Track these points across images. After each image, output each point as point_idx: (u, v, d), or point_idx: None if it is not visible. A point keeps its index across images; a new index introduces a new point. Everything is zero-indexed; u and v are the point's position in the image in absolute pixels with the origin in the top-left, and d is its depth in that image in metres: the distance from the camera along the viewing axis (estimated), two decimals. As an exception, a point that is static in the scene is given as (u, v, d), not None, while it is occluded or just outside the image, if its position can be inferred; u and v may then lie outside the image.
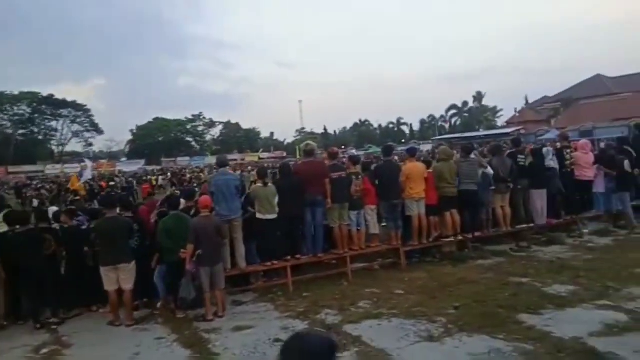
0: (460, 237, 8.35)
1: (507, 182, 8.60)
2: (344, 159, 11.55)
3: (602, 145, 14.66)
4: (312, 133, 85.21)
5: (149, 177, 36.15)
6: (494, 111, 79.40)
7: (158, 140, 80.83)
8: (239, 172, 19.18)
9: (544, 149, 9.64)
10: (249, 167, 29.37)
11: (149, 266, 6.78)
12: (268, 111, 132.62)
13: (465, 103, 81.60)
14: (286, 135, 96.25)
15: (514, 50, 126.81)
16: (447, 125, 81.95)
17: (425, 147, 39.28)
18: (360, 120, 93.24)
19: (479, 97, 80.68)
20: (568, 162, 9.42)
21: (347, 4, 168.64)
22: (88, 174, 25.00)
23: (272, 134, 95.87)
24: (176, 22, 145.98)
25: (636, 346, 4.26)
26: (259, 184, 7.56)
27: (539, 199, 8.88)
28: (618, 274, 6.42)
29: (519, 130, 41.77)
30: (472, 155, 8.94)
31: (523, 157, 8.96)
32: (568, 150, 9.64)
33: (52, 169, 62.25)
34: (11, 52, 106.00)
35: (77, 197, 15.26)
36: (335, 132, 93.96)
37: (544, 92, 64.35)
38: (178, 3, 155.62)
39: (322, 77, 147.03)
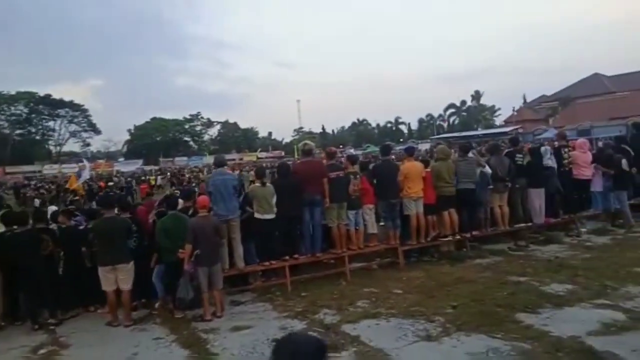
0: (458, 237, 8.35)
1: (505, 181, 8.60)
2: (342, 159, 11.55)
3: (600, 144, 14.71)
4: (310, 132, 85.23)
5: (147, 177, 36.13)
6: (492, 110, 79.53)
7: (156, 140, 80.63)
8: (237, 172, 19.19)
9: (542, 148, 9.66)
10: (247, 167, 29.37)
11: (147, 266, 6.76)
12: (266, 111, 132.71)
13: (463, 102, 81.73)
14: (284, 134, 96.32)
15: (513, 50, 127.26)
16: (445, 125, 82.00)
17: (424, 147, 39.35)
18: (358, 120, 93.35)
19: (477, 96, 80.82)
20: (566, 161, 9.42)
21: (347, 4, 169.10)
22: (86, 174, 24.95)
23: (270, 133, 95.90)
24: (175, 22, 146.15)
25: (634, 345, 4.27)
26: (257, 184, 7.56)
27: (537, 198, 8.88)
28: (616, 273, 6.43)
29: (517, 129, 41.88)
30: (470, 154, 8.95)
31: (521, 156, 8.96)
32: (566, 149, 9.64)
33: (49, 169, 62.16)
34: (8, 52, 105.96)
35: (77, 197, 15.27)
36: (333, 131, 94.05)
37: (543, 92, 64.53)
38: (178, 3, 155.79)
39: (321, 77, 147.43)
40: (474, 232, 8.56)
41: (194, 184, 18.96)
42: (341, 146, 56.83)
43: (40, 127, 76.53)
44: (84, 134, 79.60)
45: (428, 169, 8.33)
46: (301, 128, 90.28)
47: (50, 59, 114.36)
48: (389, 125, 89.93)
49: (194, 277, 6.10)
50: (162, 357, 5.20)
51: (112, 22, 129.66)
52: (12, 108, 71.04)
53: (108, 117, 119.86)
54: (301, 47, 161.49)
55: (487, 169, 8.61)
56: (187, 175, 31.77)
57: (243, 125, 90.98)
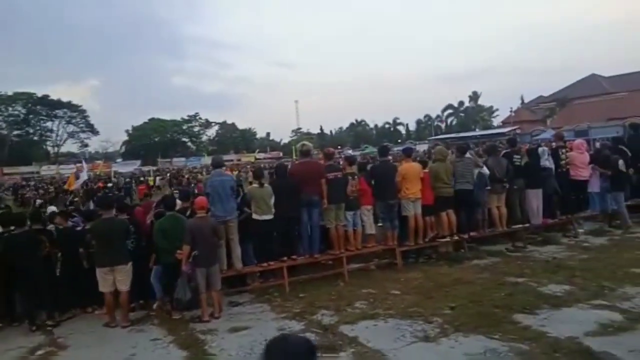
0: (456, 237, 8.36)
1: (502, 182, 8.61)
2: (340, 159, 11.56)
3: (598, 144, 14.72)
4: (308, 133, 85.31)
5: (145, 177, 36.10)
6: (490, 111, 79.66)
7: (154, 140, 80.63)
8: (236, 173, 19.18)
9: (540, 149, 9.68)
10: (245, 168, 29.36)
11: (145, 267, 6.76)
12: (264, 111, 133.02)
13: (461, 103, 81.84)
14: (282, 135, 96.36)
15: (513, 50, 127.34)
16: (443, 125, 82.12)
17: (422, 147, 39.43)
18: (356, 120, 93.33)
19: (474, 96, 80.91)
20: (563, 162, 9.45)
21: (347, 4, 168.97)
22: (85, 175, 24.91)
23: (268, 134, 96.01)
24: (174, 23, 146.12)
25: (631, 345, 4.28)
26: (255, 185, 7.55)
27: (535, 199, 8.90)
28: (613, 274, 6.45)
29: (514, 130, 41.95)
30: (468, 155, 8.96)
31: (519, 157, 8.98)
32: (563, 150, 9.67)
33: (47, 170, 62.03)
34: (6, 52, 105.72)
35: (76, 199, 15.26)
36: (331, 132, 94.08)
37: (542, 92, 64.64)
38: (176, 3, 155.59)
39: (321, 77, 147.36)
40: (472, 233, 8.56)
41: (192, 185, 18.97)
42: (339, 147, 56.80)
43: (38, 127, 76.52)
44: (82, 135, 79.75)
45: (426, 170, 8.34)
46: (299, 129, 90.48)
47: (49, 59, 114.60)
48: (387, 126, 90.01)
49: (192, 278, 6.10)
50: (159, 358, 5.19)
51: (111, 23, 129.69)
52: (10, 109, 70.99)
53: (106, 118, 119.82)
54: (301, 47, 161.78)
55: (485, 170, 8.61)
56: (186, 176, 31.75)
57: (241, 126, 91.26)
